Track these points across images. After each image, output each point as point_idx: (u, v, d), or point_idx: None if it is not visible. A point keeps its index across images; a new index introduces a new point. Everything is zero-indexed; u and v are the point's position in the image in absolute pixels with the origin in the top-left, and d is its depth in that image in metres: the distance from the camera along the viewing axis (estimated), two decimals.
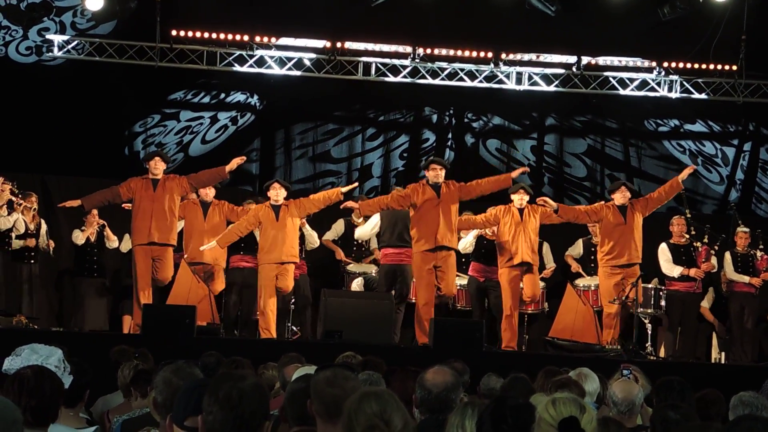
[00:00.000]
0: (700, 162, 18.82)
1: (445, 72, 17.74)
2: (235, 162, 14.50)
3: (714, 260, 15.58)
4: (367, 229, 15.36)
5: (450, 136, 18.86)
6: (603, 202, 15.06)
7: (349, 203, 14.76)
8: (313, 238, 15.32)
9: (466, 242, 15.23)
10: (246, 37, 17.31)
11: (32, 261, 15.32)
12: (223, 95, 18.38)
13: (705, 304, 16.23)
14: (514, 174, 14.66)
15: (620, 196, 14.71)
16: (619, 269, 14.46)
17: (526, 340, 15.49)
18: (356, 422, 3.98)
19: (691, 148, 18.91)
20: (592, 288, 15.33)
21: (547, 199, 14.79)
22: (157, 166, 14.38)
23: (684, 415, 5.84)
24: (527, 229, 14.47)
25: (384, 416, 3.97)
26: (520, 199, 14.59)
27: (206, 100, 18.38)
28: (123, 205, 14.58)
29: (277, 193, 14.36)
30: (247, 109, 18.42)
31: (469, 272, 15.31)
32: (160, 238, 14.22)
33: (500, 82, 17.84)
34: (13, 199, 14.86)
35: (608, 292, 14.50)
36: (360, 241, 15.83)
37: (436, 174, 14.28)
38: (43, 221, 15.40)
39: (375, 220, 15.15)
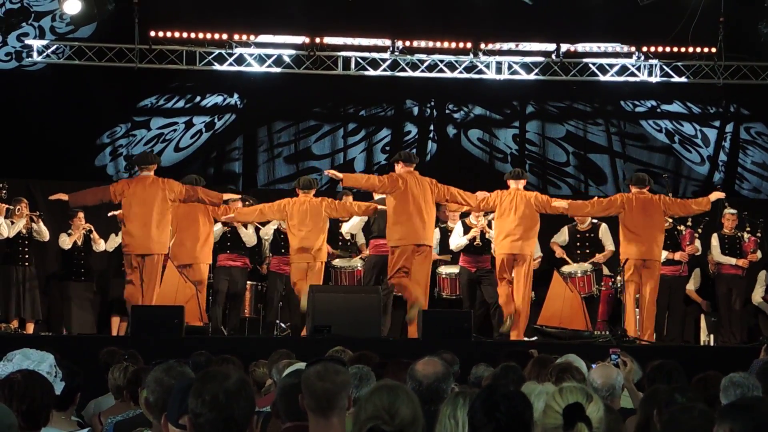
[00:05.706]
0: (677, 141, 18.82)
1: (425, 64, 17.74)
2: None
3: (698, 243, 15.60)
4: (355, 222, 15.38)
5: (432, 128, 18.83)
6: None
7: (332, 172, 14.85)
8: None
9: (461, 243, 15.18)
10: (225, 36, 17.28)
11: (26, 264, 15.31)
12: (198, 98, 18.30)
13: (691, 286, 16.24)
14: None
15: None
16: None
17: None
18: (364, 411, 4.13)
19: (668, 127, 18.89)
20: (579, 274, 15.24)
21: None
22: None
23: (690, 398, 5.88)
24: None
25: (391, 409, 4.10)
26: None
27: (180, 104, 18.28)
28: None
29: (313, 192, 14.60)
30: (228, 109, 18.37)
31: (461, 263, 15.26)
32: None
33: (480, 72, 17.85)
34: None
35: None
36: (346, 237, 15.78)
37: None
38: (40, 223, 15.36)
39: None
